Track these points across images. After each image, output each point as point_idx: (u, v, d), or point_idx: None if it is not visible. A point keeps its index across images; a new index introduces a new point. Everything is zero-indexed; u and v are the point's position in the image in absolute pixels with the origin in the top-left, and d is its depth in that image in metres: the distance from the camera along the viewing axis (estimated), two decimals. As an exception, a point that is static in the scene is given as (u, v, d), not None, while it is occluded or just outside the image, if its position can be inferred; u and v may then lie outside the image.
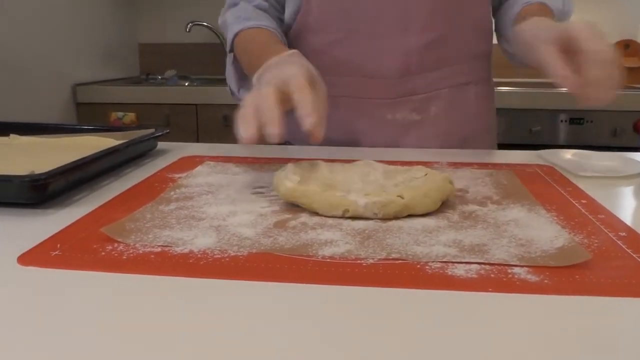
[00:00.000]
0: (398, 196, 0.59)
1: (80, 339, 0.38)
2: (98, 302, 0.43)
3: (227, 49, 0.98)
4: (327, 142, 0.91)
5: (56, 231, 0.56)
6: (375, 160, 0.73)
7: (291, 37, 1.00)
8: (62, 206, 0.66)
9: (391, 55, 0.94)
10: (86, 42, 2.31)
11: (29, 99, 1.97)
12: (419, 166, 0.69)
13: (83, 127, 0.99)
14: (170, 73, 2.53)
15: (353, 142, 1.01)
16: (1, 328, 0.39)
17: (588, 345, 0.38)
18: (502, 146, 2.06)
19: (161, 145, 1.02)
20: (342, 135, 1.00)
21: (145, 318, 0.40)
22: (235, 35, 0.94)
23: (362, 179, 0.65)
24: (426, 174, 0.66)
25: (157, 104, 2.19)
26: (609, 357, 0.36)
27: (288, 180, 0.62)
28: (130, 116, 2.10)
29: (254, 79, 0.78)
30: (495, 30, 1.04)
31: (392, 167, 0.70)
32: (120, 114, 2.09)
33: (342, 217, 0.59)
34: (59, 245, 0.53)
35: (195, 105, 2.15)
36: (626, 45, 2.49)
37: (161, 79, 2.51)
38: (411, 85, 0.97)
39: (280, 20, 1.01)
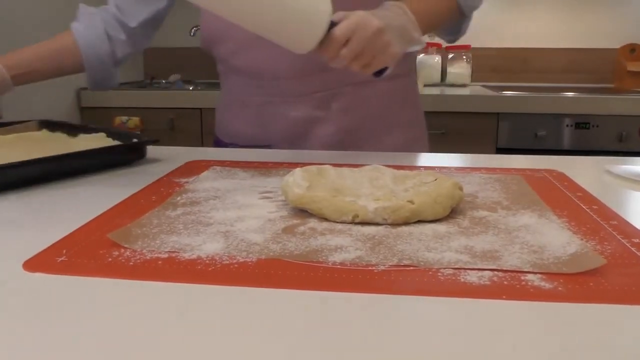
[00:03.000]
0: (408, 201, 0.59)
1: (87, 347, 0.37)
2: (105, 309, 0.42)
3: None
4: (243, 136, 1.09)
5: (61, 237, 0.56)
6: (383, 165, 0.72)
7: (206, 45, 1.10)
8: (66, 211, 0.65)
9: (286, 59, 0.98)
10: (91, 46, 2.31)
11: (33, 103, 1.97)
12: (428, 171, 0.69)
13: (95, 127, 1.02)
14: (174, 77, 2.53)
15: (264, 139, 1.08)
16: (8, 336, 0.39)
17: (605, 355, 0.37)
18: (507, 151, 2.07)
19: (166, 150, 1.01)
20: (254, 132, 1.09)
21: (152, 325, 0.40)
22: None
23: (372, 184, 0.65)
24: (436, 179, 0.65)
25: (162, 109, 2.19)
26: (628, 367, 0.36)
27: (296, 186, 0.62)
28: (134, 120, 2.09)
29: None
30: None
31: (400, 172, 0.69)
32: (124, 118, 2.09)
33: (352, 222, 0.58)
34: (64, 251, 0.52)
35: (200, 109, 2.15)
36: (631, 50, 2.48)
37: (165, 83, 2.51)
38: (310, 85, 1.03)
39: (117, 26, 1.11)
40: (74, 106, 2.21)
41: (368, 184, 0.65)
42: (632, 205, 0.72)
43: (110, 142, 0.94)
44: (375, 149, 1.05)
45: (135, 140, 0.93)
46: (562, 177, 0.82)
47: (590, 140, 2.05)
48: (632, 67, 2.41)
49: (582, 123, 2.05)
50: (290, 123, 1.06)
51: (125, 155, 0.90)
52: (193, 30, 2.49)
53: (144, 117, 2.14)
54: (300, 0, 0.75)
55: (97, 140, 0.95)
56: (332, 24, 0.77)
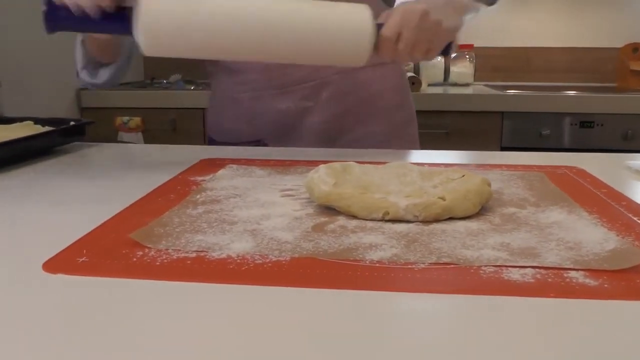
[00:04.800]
0: (439, 198, 0.57)
1: (119, 351, 0.35)
2: (134, 311, 0.40)
3: None
4: (235, 133, 1.09)
5: (79, 237, 0.54)
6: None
7: None
8: (80, 209, 0.64)
9: None
10: (90, 46, 2.29)
11: (33, 103, 1.95)
12: (454, 167, 0.67)
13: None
14: (175, 77, 2.50)
15: (255, 134, 1.08)
16: (31, 342, 0.37)
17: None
18: (511, 150, 2.05)
19: (174, 148, 1.00)
20: (245, 128, 1.09)
21: (188, 326, 0.38)
22: None
23: (400, 181, 0.63)
24: (463, 175, 0.64)
25: (163, 109, 2.17)
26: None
27: (323, 183, 0.60)
28: (135, 120, 2.07)
29: None
30: None
31: (427, 168, 0.67)
32: (125, 118, 2.06)
33: (382, 220, 0.57)
34: (85, 251, 0.50)
35: (203, 109, 2.13)
36: (634, 49, 2.47)
37: (166, 83, 2.49)
38: (296, 76, 1.03)
39: None
40: (74, 106, 2.19)
41: (396, 180, 0.63)
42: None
43: (40, 128, 0.97)
44: (365, 134, 1.06)
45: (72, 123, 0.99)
46: (583, 174, 0.80)
47: (595, 139, 2.04)
48: (635, 66, 2.40)
49: (586, 122, 2.03)
50: (280, 115, 1.06)
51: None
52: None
53: (145, 118, 2.12)
54: (341, 21, 0.75)
55: (25, 128, 0.96)
56: (379, 26, 0.78)
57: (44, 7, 0.73)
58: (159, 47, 0.72)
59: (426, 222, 0.57)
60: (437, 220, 0.57)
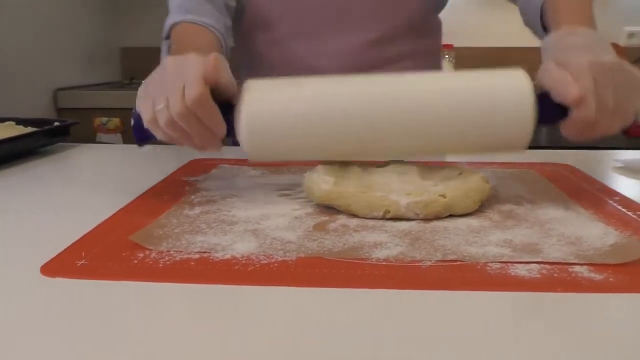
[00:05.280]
0: (440, 195, 0.57)
1: (127, 354, 0.34)
2: (138, 314, 0.40)
3: (164, 35, 0.90)
4: None
5: (75, 239, 0.53)
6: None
7: (240, 33, 1.00)
8: (73, 211, 0.62)
9: (333, 54, 0.95)
10: (67, 46, 2.25)
11: (8, 104, 1.91)
12: (451, 165, 0.67)
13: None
14: (153, 77, 2.47)
15: None
16: (32, 348, 0.36)
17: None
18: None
19: (162, 149, 0.98)
20: None
21: (196, 328, 0.37)
22: (173, 25, 0.88)
23: (400, 179, 0.63)
24: (461, 173, 0.64)
25: (142, 109, 2.14)
26: None
27: (323, 182, 0.59)
28: (114, 121, 2.04)
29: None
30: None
31: (425, 166, 0.67)
32: (104, 119, 2.03)
33: (382, 218, 0.57)
34: (83, 254, 0.49)
35: (182, 109, 2.11)
36: (610, 47, 2.50)
37: (145, 83, 2.46)
38: None
39: (226, 7, 0.95)
40: (51, 107, 2.15)
41: (397, 179, 0.63)
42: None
43: (23, 129, 0.95)
44: None
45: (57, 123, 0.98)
46: (574, 170, 0.81)
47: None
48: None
49: (565, 119, 2.05)
50: None
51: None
52: (171, 30, 2.44)
53: (123, 119, 2.09)
54: (496, 107, 0.60)
55: (7, 129, 0.94)
56: (545, 97, 0.60)
57: (133, 124, 0.66)
58: (264, 158, 0.67)
59: (427, 219, 0.57)
60: (437, 217, 0.57)
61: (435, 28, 1.08)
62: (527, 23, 0.90)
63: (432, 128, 0.60)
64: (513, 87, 0.60)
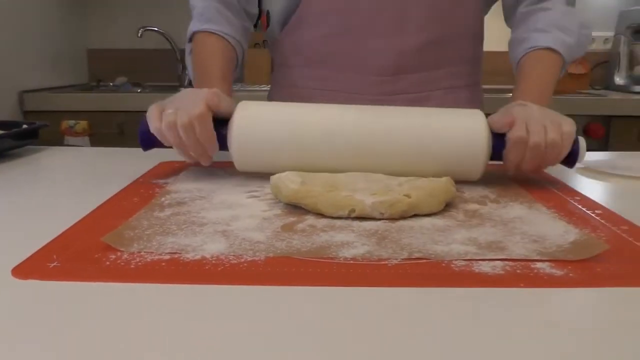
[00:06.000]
0: (405, 195, 0.58)
1: (98, 355, 0.35)
2: (112, 314, 0.40)
3: (187, 38, 0.99)
4: None
5: (46, 241, 0.52)
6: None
7: (287, 29, 0.98)
8: (44, 214, 0.62)
9: (386, 54, 0.94)
10: (33, 47, 2.22)
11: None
12: (418, 166, 0.69)
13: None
14: (121, 80, 2.45)
15: None
16: (4, 351, 0.36)
17: (628, 335, 0.38)
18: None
19: (130, 151, 0.98)
20: None
21: (165, 328, 0.38)
22: (193, 33, 0.97)
23: (366, 179, 0.64)
24: (426, 173, 0.66)
25: (111, 112, 2.12)
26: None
27: (290, 181, 0.60)
28: (82, 124, 2.02)
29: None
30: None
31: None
32: (72, 122, 2.01)
33: (348, 217, 0.58)
34: (55, 256, 0.49)
35: (151, 112, 2.09)
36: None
37: (113, 85, 2.43)
38: (403, 85, 0.96)
39: (246, 14, 1.01)
40: (16, 110, 2.12)
41: (363, 179, 0.64)
42: (609, 196, 0.74)
43: None
44: None
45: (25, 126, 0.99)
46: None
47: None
48: (573, 69, 2.48)
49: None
50: None
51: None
52: (140, 32, 2.43)
53: (91, 121, 2.07)
54: (455, 140, 0.70)
55: None
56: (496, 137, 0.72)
57: (140, 129, 0.75)
58: (251, 168, 0.75)
59: (392, 219, 0.58)
60: (402, 217, 0.59)
61: (483, 35, 1.06)
62: (510, 59, 1.01)
63: (399, 157, 0.70)
64: (470, 128, 0.71)
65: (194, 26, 0.97)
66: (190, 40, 0.98)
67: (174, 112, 0.70)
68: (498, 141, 0.72)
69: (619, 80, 2.39)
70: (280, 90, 1.05)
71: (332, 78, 0.97)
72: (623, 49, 2.36)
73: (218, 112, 0.72)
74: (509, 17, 1.04)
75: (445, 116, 0.73)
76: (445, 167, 0.70)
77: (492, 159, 0.72)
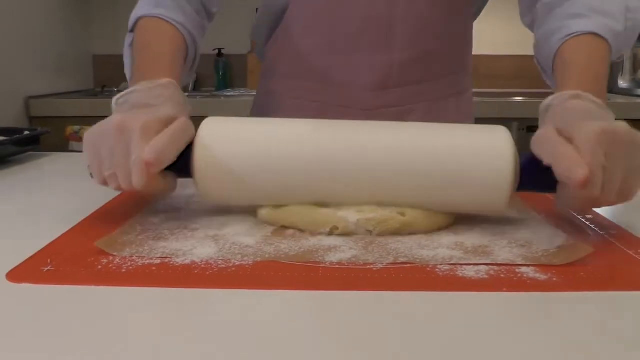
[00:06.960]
0: (398, 213, 0.56)
1: (90, 357, 0.36)
2: (103, 317, 0.41)
3: (129, 27, 0.82)
4: None
5: (41, 246, 0.54)
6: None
7: (272, 41, 0.98)
8: (40, 219, 0.63)
9: (372, 69, 0.92)
10: (38, 53, 2.24)
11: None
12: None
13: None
14: (126, 86, 2.47)
15: None
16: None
17: (607, 339, 0.38)
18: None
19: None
20: None
21: (154, 331, 0.39)
22: (140, 18, 0.80)
23: None
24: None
25: (115, 117, 2.14)
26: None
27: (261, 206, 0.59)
28: (86, 130, 2.04)
29: (113, 100, 0.72)
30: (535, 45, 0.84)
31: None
32: (76, 127, 2.03)
33: (331, 234, 0.56)
34: (49, 260, 0.50)
35: (155, 117, 2.11)
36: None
37: (117, 91, 2.45)
38: (388, 98, 0.94)
39: (205, 12, 0.90)
40: (22, 116, 2.14)
41: None
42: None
43: None
44: None
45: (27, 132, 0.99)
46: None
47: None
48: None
49: (533, 126, 2.09)
50: None
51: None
52: (144, 38, 2.45)
53: (96, 127, 2.09)
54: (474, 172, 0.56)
55: None
56: (532, 163, 0.56)
57: None
58: (215, 200, 0.63)
59: (383, 236, 0.56)
60: (396, 234, 0.56)
61: (472, 42, 1.04)
62: (538, 62, 0.84)
63: (395, 187, 0.57)
64: (491, 154, 0.56)
65: (140, 10, 0.80)
66: (132, 30, 0.81)
67: (113, 175, 0.57)
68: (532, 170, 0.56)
69: (622, 83, 2.39)
70: (265, 99, 1.03)
71: (316, 90, 0.95)
72: (627, 53, 2.36)
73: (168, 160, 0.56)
74: (527, 11, 0.86)
75: (458, 136, 0.59)
76: (456, 200, 0.58)
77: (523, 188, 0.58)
